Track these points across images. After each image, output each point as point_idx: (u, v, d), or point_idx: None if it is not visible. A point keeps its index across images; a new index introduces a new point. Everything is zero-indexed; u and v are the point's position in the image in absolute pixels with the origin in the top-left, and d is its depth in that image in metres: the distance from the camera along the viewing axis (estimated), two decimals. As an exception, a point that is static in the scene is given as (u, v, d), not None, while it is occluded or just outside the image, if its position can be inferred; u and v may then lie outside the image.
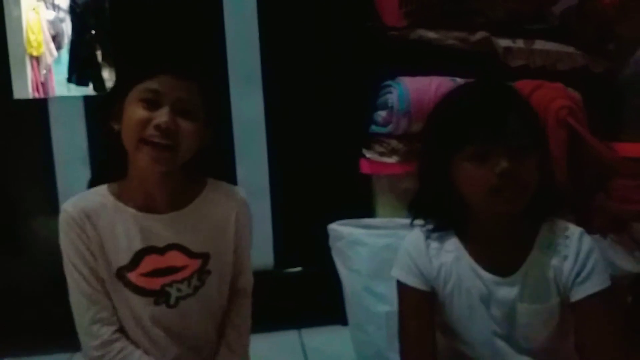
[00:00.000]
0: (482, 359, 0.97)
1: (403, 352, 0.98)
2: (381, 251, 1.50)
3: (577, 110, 1.59)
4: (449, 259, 0.97)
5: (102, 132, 1.02)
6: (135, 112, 0.95)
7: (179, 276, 1.03)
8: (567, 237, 0.95)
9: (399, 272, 1.00)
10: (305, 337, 1.82)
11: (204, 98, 1.00)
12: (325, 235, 1.65)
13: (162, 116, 0.94)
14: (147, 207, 1.02)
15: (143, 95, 0.96)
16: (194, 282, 1.05)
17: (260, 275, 1.26)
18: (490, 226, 0.95)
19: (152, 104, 0.95)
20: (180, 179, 1.04)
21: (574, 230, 0.96)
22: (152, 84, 0.96)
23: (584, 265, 0.92)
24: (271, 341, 1.72)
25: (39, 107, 1.80)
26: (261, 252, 1.75)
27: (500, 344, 0.96)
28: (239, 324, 1.14)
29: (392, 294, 1.40)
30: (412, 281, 0.98)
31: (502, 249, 0.95)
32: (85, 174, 1.73)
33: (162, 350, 1.04)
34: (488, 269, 0.95)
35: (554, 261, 0.94)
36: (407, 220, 1.58)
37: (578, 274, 0.92)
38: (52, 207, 1.70)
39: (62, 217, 1.01)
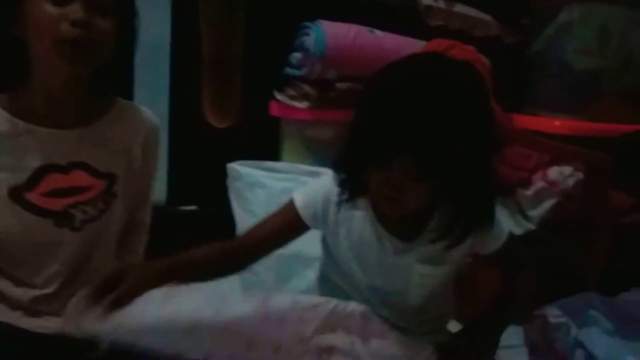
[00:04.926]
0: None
1: None
2: (279, 194, 1.47)
3: (484, 76, 1.63)
4: (356, 216, 0.94)
5: None
6: (44, 10, 0.86)
7: (84, 197, 0.96)
8: None
9: (300, 198, 0.96)
10: (194, 277, 1.78)
11: None
12: (225, 175, 1.60)
13: (77, 11, 0.86)
14: (48, 121, 0.93)
15: None
16: (100, 204, 0.98)
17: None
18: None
19: (60, 0, 0.86)
20: (86, 92, 0.96)
21: None
22: None
23: None
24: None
25: None
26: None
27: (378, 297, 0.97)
28: (132, 260, 1.08)
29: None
30: (305, 214, 0.95)
31: (409, 217, 0.91)
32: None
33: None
34: (393, 233, 0.93)
35: None
36: (310, 168, 1.58)
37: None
38: None
39: None
